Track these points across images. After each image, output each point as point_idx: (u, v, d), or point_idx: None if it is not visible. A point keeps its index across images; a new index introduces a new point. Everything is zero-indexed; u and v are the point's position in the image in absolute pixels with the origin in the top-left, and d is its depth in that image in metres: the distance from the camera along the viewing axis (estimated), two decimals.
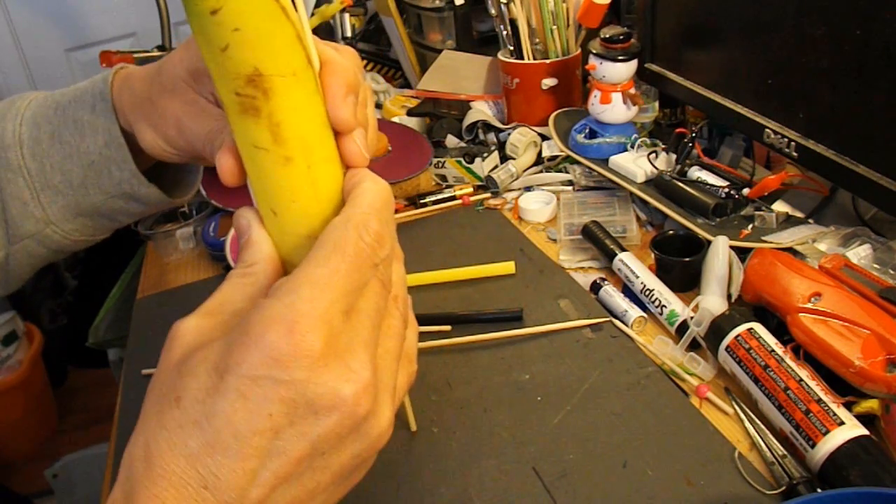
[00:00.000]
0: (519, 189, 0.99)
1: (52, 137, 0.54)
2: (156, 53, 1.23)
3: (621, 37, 0.89)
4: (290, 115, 0.32)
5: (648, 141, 0.92)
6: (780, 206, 0.82)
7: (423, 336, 0.72)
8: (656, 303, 0.71)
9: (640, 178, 0.87)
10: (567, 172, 0.98)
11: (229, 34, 0.30)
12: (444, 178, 1.01)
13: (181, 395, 0.30)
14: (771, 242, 0.72)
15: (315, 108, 0.34)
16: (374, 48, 1.40)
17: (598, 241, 0.80)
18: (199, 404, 0.29)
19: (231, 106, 0.33)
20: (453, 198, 0.98)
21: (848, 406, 0.54)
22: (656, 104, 1.05)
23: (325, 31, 1.30)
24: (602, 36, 0.90)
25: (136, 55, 1.20)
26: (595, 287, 0.76)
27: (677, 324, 0.68)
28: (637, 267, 0.75)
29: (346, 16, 1.21)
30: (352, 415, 0.31)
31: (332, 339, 0.30)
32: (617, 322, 0.71)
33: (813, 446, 0.52)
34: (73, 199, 0.55)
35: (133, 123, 0.52)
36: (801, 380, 0.55)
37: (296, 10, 0.33)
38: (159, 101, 0.49)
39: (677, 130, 0.91)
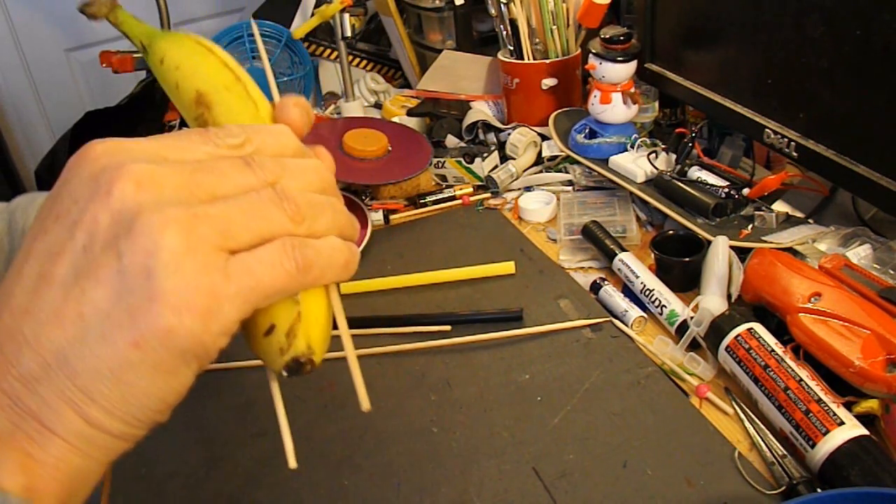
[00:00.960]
0: (519, 189, 0.99)
1: None
2: None
3: (621, 37, 0.89)
4: (226, 118, 0.39)
5: (648, 141, 0.92)
6: (780, 206, 0.82)
7: (423, 336, 0.72)
8: (656, 303, 0.71)
9: (640, 178, 0.87)
10: (567, 172, 0.98)
11: (174, 73, 0.40)
12: (444, 178, 1.01)
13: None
14: (771, 242, 0.72)
15: (246, 110, 0.40)
16: (374, 48, 1.40)
17: (598, 241, 0.80)
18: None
19: (189, 129, 0.40)
20: (453, 198, 0.98)
21: (848, 406, 0.54)
22: (656, 104, 1.05)
23: (326, 31, 1.30)
24: (602, 36, 0.90)
25: (135, 55, 1.20)
26: (595, 287, 0.76)
27: (677, 324, 0.68)
28: (637, 267, 0.75)
29: (346, 16, 1.21)
30: (88, 166, 0.28)
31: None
32: (617, 322, 0.71)
33: (813, 446, 0.52)
34: None
35: None
36: (801, 380, 0.55)
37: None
38: None
39: (677, 130, 0.91)
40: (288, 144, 0.33)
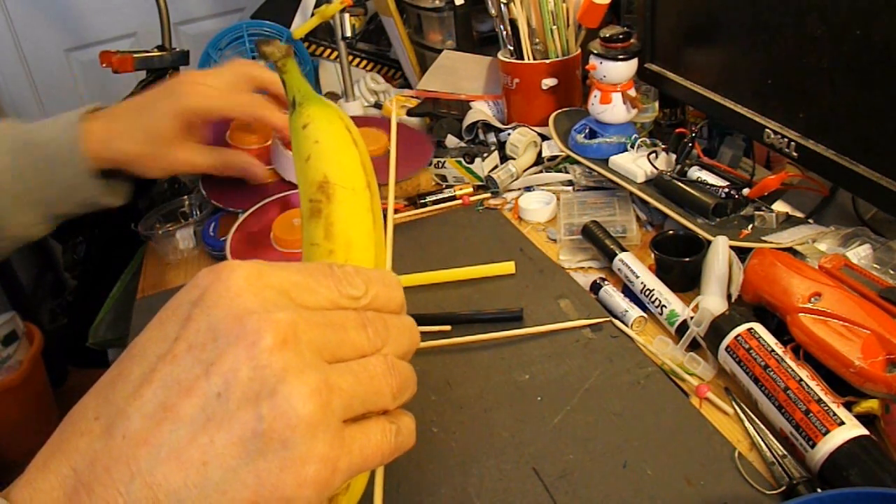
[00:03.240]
0: (519, 189, 0.99)
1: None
2: (156, 53, 1.23)
3: (621, 35, 0.89)
4: (342, 218, 0.40)
5: (648, 141, 0.92)
6: (780, 206, 0.82)
7: (423, 336, 0.72)
8: (656, 303, 0.71)
9: (640, 178, 0.87)
10: (567, 172, 0.98)
11: (312, 145, 0.41)
12: (444, 178, 1.01)
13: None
14: (771, 242, 0.72)
15: (363, 220, 0.41)
16: (374, 48, 1.40)
17: (598, 241, 0.80)
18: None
19: (305, 213, 0.41)
20: (453, 198, 0.98)
21: (848, 406, 0.54)
22: (656, 104, 1.05)
23: (326, 31, 1.30)
24: (602, 35, 0.90)
25: (136, 55, 1.20)
26: (595, 287, 0.76)
27: (677, 324, 0.68)
28: (637, 267, 0.75)
29: (346, 16, 1.21)
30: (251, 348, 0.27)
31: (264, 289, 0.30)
32: (617, 322, 0.71)
33: (813, 446, 0.52)
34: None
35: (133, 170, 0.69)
36: (801, 380, 0.55)
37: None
38: (160, 150, 0.69)
39: (677, 130, 0.91)
40: (395, 298, 0.35)
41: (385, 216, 0.45)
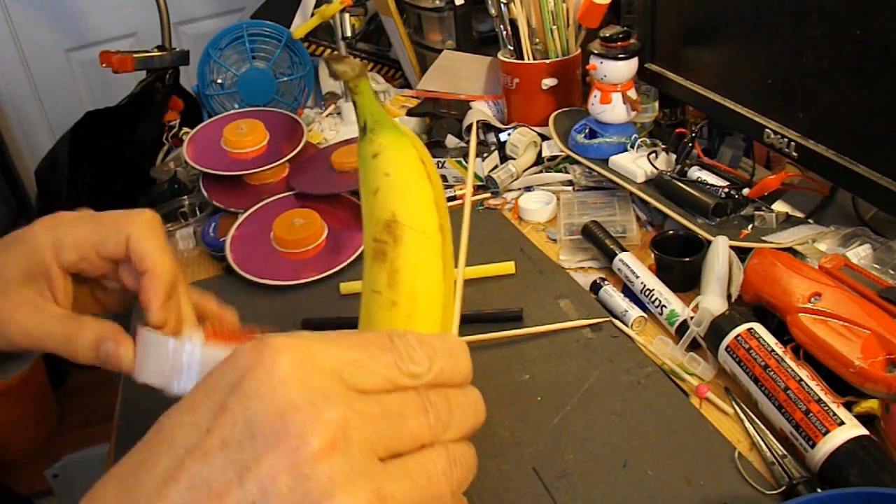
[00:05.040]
0: (519, 189, 0.99)
1: None
2: (156, 53, 1.23)
3: (621, 35, 0.89)
4: (408, 265, 0.36)
5: (648, 141, 0.92)
6: (780, 206, 0.82)
7: None
8: (656, 303, 0.71)
9: (640, 178, 0.87)
10: (567, 172, 0.98)
11: (381, 177, 0.36)
12: (444, 178, 1.01)
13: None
14: (771, 242, 0.72)
15: (432, 268, 0.38)
16: (374, 48, 1.40)
17: (598, 241, 0.80)
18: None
19: (368, 252, 0.38)
20: (453, 198, 0.97)
21: (848, 406, 0.54)
22: (656, 104, 1.05)
23: (326, 30, 1.30)
24: (602, 35, 0.90)
25: (136, 55, 1.20)
26: (595, 287, 0.76)
27: (677, 324, 0.68)
28: (637, 267, 0.75)
29: (346, 16, 1.21)
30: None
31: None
32: (617, 322, 0.71)
33: (813, 446, 0.52)
34: None
35: None
36: (801, 380, 0.55)
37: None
38: None
39: (677, 130, 0.91)
40: (460, 371, 0.32)
41: (456, 266, 0.40)
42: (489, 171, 0.99)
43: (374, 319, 0.37)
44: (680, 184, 0.82)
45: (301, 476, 0.24)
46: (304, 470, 0.24)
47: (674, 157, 0.89)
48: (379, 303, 0.36)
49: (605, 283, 0.75)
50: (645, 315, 0.71)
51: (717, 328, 0.62)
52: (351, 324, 0.75)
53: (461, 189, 0.98)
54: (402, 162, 0.37)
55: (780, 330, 0.62)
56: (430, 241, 0.37)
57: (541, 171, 1.01)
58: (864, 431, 0.51)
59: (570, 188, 0.96)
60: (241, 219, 0.91)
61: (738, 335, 0.60)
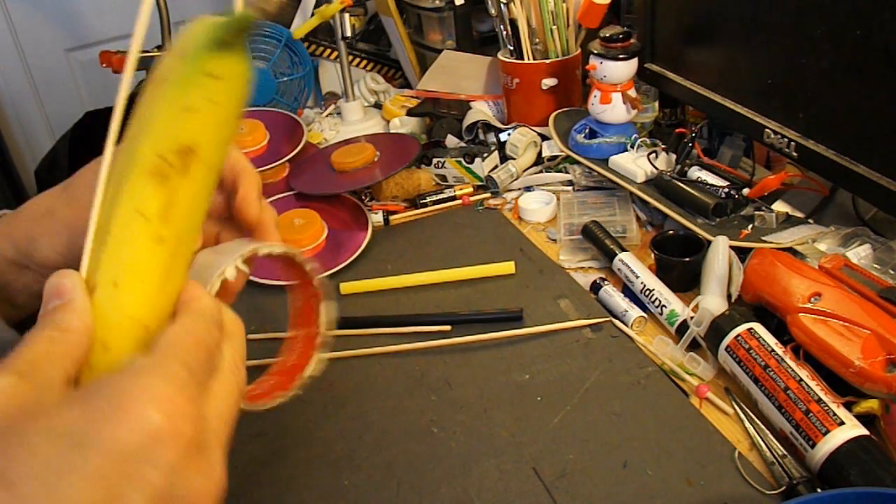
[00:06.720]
0: (519, 189, 0.99)
1: None
2: (156, 53, 1.23)
3: (621, 35, 0.89)
4: (189, 202, 0.33)
5: (648, 141, 0.92)
6: (780, 206, 0.82)
7: (423, 336, 0.72)
8: (656, 303, 0.71)
9: (640, 178, 0.87)
10: (567, 172, 0.98)
11: (205, 102, 0.32)
12: (444, 178, 1.01)
13: (12, 473, 0.25)
14: (771, 242, 0.72)
15: (205, 209, 0.35)
16: (374, 48, 1.40)
17: (598, 241, 0.80)
18: (41, 485, 0.25)
19: (141, 163, 0.33)
20: (453, 198, 0.98)
21: (848, 406, 0.54)
22: (656, 104, 1.05)
23: (326, 31, 1.30)
24: (602, 35, 0.90)
25: None
26: (595, 287, 0.76)
27: (677, 324, 0.68)
28: (637, 267, 0.75)
29: (346, 16, 1.21)
30: None
31: (198, 430, 0.29)
32: (617, 322, 0.71)
33: (813, 446, 0.52)
34: None
35: (32, 239, 0.46)
36: (801, 380, 0.55)
37: None
38: (65, 211, 0.45)
39: (677, 130, 0.91)
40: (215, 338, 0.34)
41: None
42: (489, 171, 0.99)
43: (137, 250, 0.33)
44: (680, 184, 0.82)
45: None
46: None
47: (674, 157, 0.89)
48: (146, 231, 0.32)
49: (605, 283, 0.75)
50: (645, 315, 0.71)
51: (717, 328, 0.62)
52: (353, 324, 0.76)
53: (461, 189, 0.98)
54: (234, 107, 0.34)
55: (780, 330, 0.62)
56: (213, 178, 0.34)
57: (541, 171, 1.01)
58: (864, 431, 0.51)
59: (570, 188, 0.96)
60: None
61: (738, 335, 0.60)
